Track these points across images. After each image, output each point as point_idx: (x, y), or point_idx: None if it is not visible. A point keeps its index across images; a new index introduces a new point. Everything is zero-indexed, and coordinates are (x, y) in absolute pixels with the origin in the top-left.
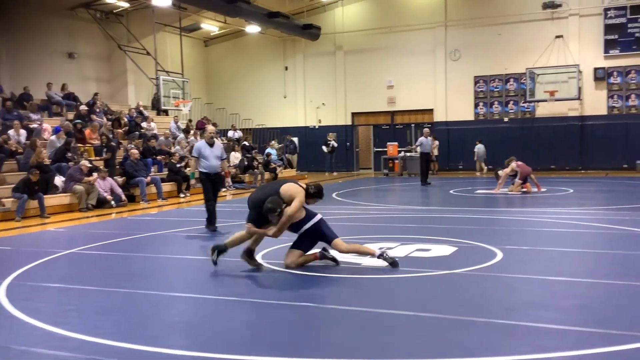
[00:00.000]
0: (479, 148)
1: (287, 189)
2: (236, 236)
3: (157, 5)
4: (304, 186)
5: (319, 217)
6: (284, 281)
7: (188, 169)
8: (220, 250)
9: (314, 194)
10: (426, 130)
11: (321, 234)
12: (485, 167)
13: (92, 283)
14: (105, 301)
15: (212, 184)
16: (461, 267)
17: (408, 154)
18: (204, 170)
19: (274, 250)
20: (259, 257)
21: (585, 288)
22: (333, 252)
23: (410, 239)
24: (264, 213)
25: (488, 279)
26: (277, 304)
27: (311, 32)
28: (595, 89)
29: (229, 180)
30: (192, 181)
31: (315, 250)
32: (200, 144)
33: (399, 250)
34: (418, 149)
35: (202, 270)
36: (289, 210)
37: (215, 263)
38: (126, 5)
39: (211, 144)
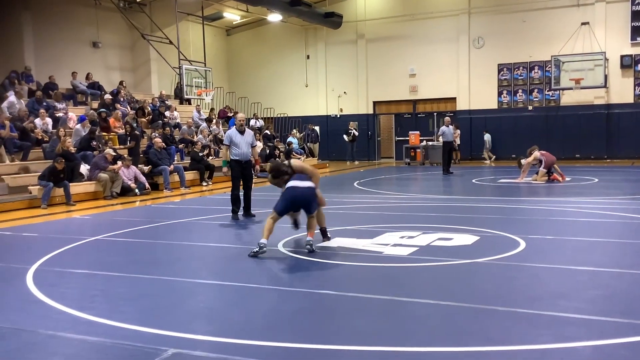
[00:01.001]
0: (487, 137)
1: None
2: (268, 226)
3: None
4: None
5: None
6: (306, 269)
7: (211, 158)
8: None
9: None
10: (447, 119)
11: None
12: (492, 156)
13: (117, 269)
14: (130, 287)
15: (242, 171)
16: (483, 257)
17: (430, 143)
18: (236, 158)
19: (294, 239)
20: (280, 246)
21: (610, 278)
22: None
23: (432, 228)
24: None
25: (511, 268)
26: (300, 292)
27: (333, 20)
28: (621, 77)
29: (258, 167)
30: (225, 169)
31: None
32: (232, 131)
33: (420, 239)
34: (440, 138)
35: (225, 257)
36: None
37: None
38: None
39: (242, 132)
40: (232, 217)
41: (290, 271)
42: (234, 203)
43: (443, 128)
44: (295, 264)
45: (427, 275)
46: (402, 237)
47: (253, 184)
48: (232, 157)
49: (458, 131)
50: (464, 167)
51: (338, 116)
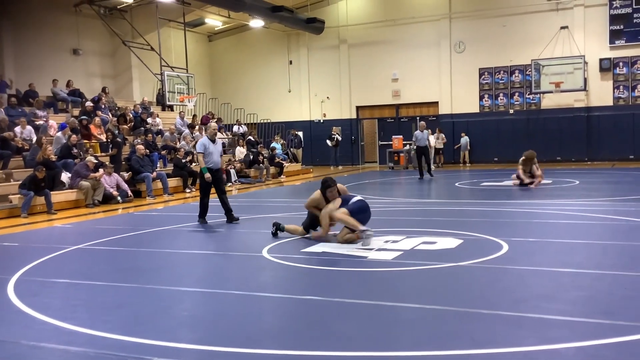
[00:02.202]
0: (464, 140)
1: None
2: (296, 229)
3: (161, 1)
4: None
5: (356, 197)
6: (291, 275)
7: (195, 164)
8: (279, 228)
9: (322, 189)
10: (422, 123)
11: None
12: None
13: (100, 278)
14: (113, 296)
15: (214, 179)
16: (467, 260)
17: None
18: (209, 165)
19: (278, 245)
20: (264, 252)
21: (592, 280)
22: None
23: (416, 232)
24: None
25: (494, 271)
26: (285, 298)
27: (315, 25)
28: (601, 80)
29: (225, 175)
30: (207, 175)
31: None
32: (205, 140)
33: (404, 243)
34: (413, 142)
35: (209, 264)
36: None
37: (274, 235)
38: (130, 1)
39: (214, 140)
40: (199, 222)
41: (275, 277)
42: (203, 209)
43: (417, 133)
44: (280, 270)
45: (412, 279)
46: (386, 242)
47: (237, 191)
48: (206, 166)
49: (442, 135)
50: (446, 170)
51: (321, 121)
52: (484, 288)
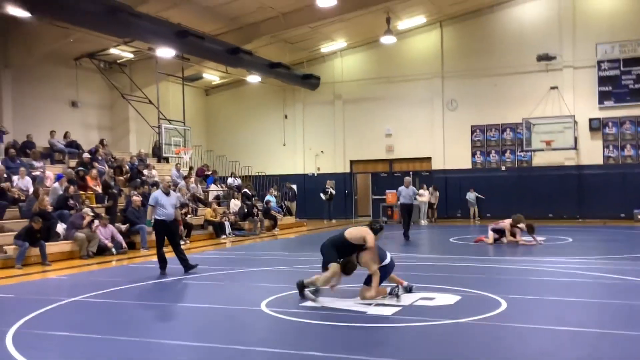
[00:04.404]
0: (472, 195)
1: (352, 231)
2: (326, 276)
3: (160, 57)
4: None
5: (389, 258)
6: (290, 330)
7: (190, 216)
8: (303, 286)
9: (379, 229)
10: (407, 179)
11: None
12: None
13: (98, 331)
14: (112, 350)
15: (168, 230)
16: (467, 317)
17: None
18: (162, 218)
19: (277, 299)
20: (263, 306)
21: (592, 339)
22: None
23: (414, 287)
24: (347, 273)
25: (494, 328)
26: (284, 353)
27: (311, 81)
28: (591, 139)
29: (182, 228)
30: (149, 229)
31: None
32: (157, 193)
33: (403, 299)
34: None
35: (207, 318)
36: (369, 244)
37: (314, 299)
38: (130, 55)
39: (167, 193)
40: (160, 273)
41: (274, 332)
42: (161, 260)
43: (401, 189)
44: (280, 324)
45: (412, 336)
46: (384, 297)
47: (231, 244)
48: (157, 217)
49: (437, 193)
50: (440, 225)
51: (315, 175)
52: (485, 346)
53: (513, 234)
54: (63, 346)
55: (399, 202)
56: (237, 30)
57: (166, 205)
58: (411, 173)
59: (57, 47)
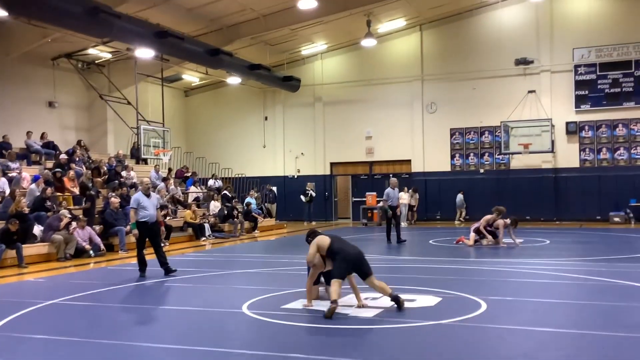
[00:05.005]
0: (459, 197)
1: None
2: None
3: (140, 57)
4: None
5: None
6: (272, 332)
7: (169, 217)
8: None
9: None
10: (393, 180)
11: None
12: (463, 217)
13: (77, 335)
14: (92, 353)
15: (150, 232)
16: (447, 318)
17: (379, 205)
18: (144, 219)
19: (258, 301)
20: (244, 309)
21: (571, 339)
22: None
23: (395, 289)
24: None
25: (475, 330)
26: (266, 356)
27: (291, 83)
28: (567, 143)
29: (163, 228)
30: (135, 231)
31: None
32: (138, 195)
33: (384, 300)
34: (385, 202)
35: (188, 321)
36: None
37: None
38: (108, 56)
39: (148, 195)
40: (140, 276)
41: (255, 335)
42: (141, 262)
43: (389, 191)
44: (261, 327)
45: (394, 338)
46: (365, 299)
47: (211, 246)
48: (139, 220)
49: (417, 195)
50: (420, 227)
51: (295, 177)
52: (466, 347)
53: (492, 233)
54: (42, 349)
55: (388, 205)
56: (217, 31)
57: (148, 206)
58: (391, 175)
59: (35, 47)
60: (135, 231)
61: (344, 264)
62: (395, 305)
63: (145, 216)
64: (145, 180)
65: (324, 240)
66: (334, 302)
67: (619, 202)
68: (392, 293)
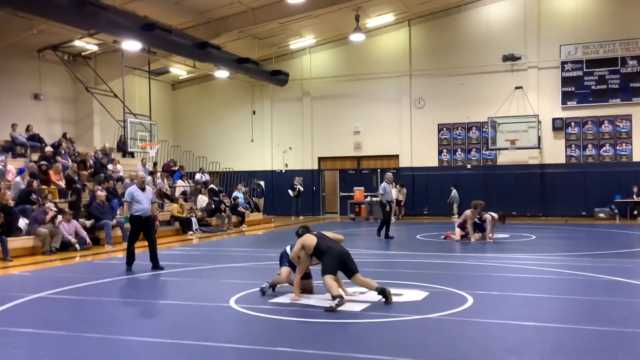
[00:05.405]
0: (454, 192)
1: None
2: (331, 283)
3: (126, 50)
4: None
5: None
6: (260, 326)
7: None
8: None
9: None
10: (389, 175)
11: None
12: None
13: (63, 328)
14: (78, 347)
15: (144, 226)
16: (434, 312)
17: (375, 199)
18: (138, 213)
19: (245, 295)
20: (232, 302)
21: (556, 333)
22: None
23: (382, 284)
24: None
25: (461, 324)
26: (254, 349)
27: (279, 78)
28: (554, 139)
29: (157, 223)
30: (127, 225)
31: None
32: (133, 188)
33: (371, 295)
34: (382, 196)
35: (175, 315)
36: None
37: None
38: (95, 48)
39: (143, 188)
40: (126, 270)
41: (243, 329)
42: (130, 256)
43: (385, 185)
44: (248, 321)
45: (381, 332)
46: (353, 293)
47: (198, 239)
48: (133, 213)
49: (404, 190)
50: (407, 222)
51: (283, 171)
52: (452, 341)
53: (480, 227)
54: (28, 343)
55: (387, 200)
56: (205, 24)
57: (142, 200)
58: (379, 170)
59: (20, 38)
60: (128, 224)
61: (334, 259)
62: (383, 299)
63: (139, 210)
64: (141, 174)
65: (310, 239)
66: (339, 297)
67: (604, 198)
68: (378, 287)
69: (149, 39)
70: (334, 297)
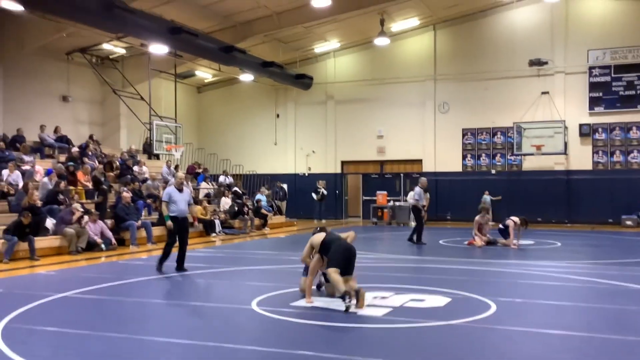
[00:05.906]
0: (487, 198)
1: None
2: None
3: (153, 53)
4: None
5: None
6: (281, 329)
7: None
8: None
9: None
10: (423, 180)
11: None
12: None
13: (88, 327)
14: (103, 346)
15: (179, 228)
16: (456, 319)
17: (397, 204)
18: (174, 214)
19: (267, 298)
20: (254, 305)
21: (581, 342)
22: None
23: (404, 289)
24: None
25: (484, 331)
26: (275, 352)
27: (303, 81)
28: (580, 145)
29: (196, 224)
30: (168, 223)
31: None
32: (171, 189)
33: (394, 300)
34: (414, 201)
35: (198, 316)
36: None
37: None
38: (122, 51)
39: (180, 190)
40: (157, 268)
41: (265, 331)
42: (165, 256)
43: (419, 190)
44: (270, 323)
45: (403, 337)
46: (375, 298)
47: (221, 242)
48: (170, 214)
49: (428, 195)
50: (430, 227)
51: (306, 175)
52: (474, 348)
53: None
54: (53, 341)
55: (422, 205)
56: (230, 28)
57: (179, 201)
58: (402, 175)
59: (49, 41)
60: (169, 223)
61: (339, 254)
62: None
63: (175, 211)
64: (180, 175)
65: (318, 237)
66: (347, 293)
67: (631, 206)
68: (352, 289)
69: (176, 42)
70: (342, 295)
